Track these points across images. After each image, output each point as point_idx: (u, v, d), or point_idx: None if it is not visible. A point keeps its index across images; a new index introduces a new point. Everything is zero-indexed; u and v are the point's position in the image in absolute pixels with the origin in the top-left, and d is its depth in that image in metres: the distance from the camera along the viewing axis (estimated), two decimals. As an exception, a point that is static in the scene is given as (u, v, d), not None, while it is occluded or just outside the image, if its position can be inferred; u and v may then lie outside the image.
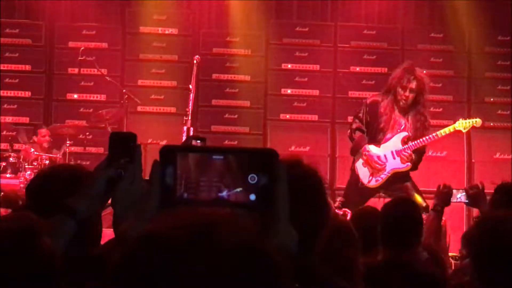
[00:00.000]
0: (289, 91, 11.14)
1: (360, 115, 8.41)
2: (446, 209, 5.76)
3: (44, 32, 11.14)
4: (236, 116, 11.06)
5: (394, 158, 8.26)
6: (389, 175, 8.27)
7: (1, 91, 10.75)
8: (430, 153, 9.91)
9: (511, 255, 2.68)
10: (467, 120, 8.50)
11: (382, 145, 8.29)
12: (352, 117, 8.76)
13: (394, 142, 8.26)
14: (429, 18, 11.47)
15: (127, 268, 1.26)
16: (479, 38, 11.20)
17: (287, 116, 11.10)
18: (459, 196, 5.93)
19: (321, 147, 11.02)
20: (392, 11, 11.40)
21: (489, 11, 11.18)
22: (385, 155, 8.27)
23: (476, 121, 8.51)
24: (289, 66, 11.19)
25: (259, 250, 1.26)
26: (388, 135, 8.27)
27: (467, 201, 5.95)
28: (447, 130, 8.31)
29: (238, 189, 1.71)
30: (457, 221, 9.96)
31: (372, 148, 8.29)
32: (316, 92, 11.15)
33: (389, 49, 11.26)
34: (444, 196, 5.72)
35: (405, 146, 8.18)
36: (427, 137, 8.18)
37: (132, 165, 2.18)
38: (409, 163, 8.21)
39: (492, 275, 2.69)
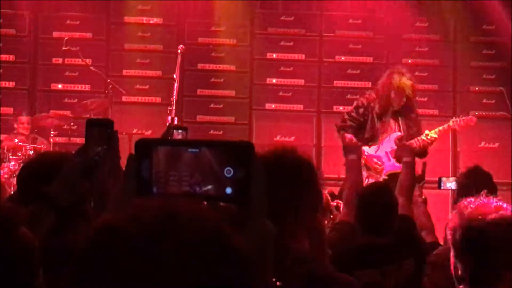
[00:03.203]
0: (274, 80, 11.11)
1: (354, 114, 8.23)
2: (431, 199, 5.77)
3: (28, 22, 11.06)
4: (221, 106, 11.03)
5: (389, 160, 8.07)
6: (386, 177, 8.00)
7: (-15, 82, 10.69)
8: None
9: (492, 245, 2.68)
10: (462, 118, 8.41)
11: (376, 147, 8.15)
12: (341, 108, 8.60)
13: (387, 144, 8.13)
14: (414, 7, 11.45)
15: (84, 259, 1.24)
16: (464, 27, 11.20)
17: (273, 106, 11.07)
18: (449, 184, 5.95)
19: (307, 136, 11.00)
20: (378, 0, 11.37)
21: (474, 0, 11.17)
22: (380, 157, 8.17)
23: (470, 119, 8.42)
24: (274, 55, 11.16)
25: (220, 241, 1.24)
26: (383, 137, 8.14)
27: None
28: (441, 128, 8.17)
29: (209, 186, 1.69)
30: (442, 211, 9.96)
31: (369, 150, 8.14)
32: (301, 82, 11.12)
33: (374, 38, 11.24)
34: None
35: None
36: (420, 137, 8.02)
37: (109, 152, 2.15)
38: None
39: (472, 265, 2.69)
